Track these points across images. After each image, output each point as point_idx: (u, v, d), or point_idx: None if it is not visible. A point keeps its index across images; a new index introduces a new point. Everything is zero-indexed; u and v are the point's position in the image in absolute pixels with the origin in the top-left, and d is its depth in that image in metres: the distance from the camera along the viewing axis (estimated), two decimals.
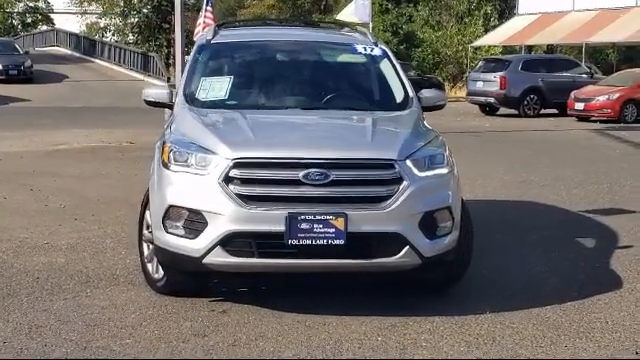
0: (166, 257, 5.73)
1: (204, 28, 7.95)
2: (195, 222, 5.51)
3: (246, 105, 6.49)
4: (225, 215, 5.39)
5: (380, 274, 5.90)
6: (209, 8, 7.70)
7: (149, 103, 6.87)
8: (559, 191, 11.34)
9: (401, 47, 39.58)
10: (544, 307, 5.92)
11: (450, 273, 6.03)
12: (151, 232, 6.22)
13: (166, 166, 5.72)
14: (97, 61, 43.05)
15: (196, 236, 5.50)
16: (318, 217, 5.32)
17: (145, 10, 43.78)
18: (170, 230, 5.64)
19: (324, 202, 5.40)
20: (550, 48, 38.80)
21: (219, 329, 5.36)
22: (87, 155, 15.22)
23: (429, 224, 5.60)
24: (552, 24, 34.98)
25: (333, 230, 5.34)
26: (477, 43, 38.85)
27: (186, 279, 5.95)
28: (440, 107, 6.92)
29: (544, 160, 14.83)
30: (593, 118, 25.56)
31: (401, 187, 5.48)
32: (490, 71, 27.47)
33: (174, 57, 44.67)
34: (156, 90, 6.91)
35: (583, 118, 25.64)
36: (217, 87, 6.61)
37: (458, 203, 5.89)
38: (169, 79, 37.62)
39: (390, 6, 41.86)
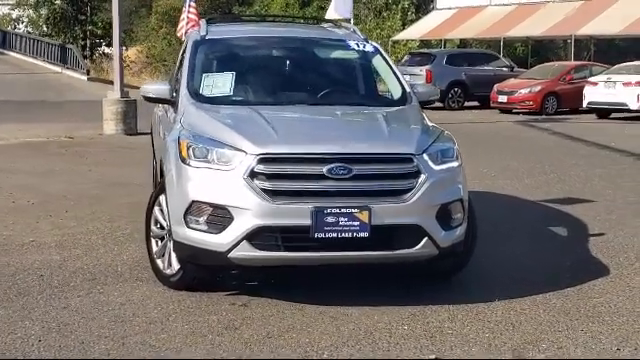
0: (187, 252, 5.78)
1: (188, 23, 7.95)
2: (220, 217, 5.59)
3: (252, 101, 6.59)
4: (251, 210, 5.48)
5: (399, 265, 6.07)
6: (192, 4, 7.69)
7: (149, 99, 6.88)
8: (512, 182, 11.74)
9: None
10: (545, 294, 6.18)
11: (457, 263, 6.25)
12: (160, 228, 6.28)
13: (186, 162, 5.77)
14: (11, 53, 41.96)
15: (221, 231, 5.57)
16: (343, 210, 5.47)
17: (59, 1, 42.84)
18: (192, 225, 5.70)
19: (347, 196, 5.55)
20: (463, 43, 39.62)
21: (247, 322, 5.45)
22: (30, 151, 14.98)
23: (444, 216, 5.82)
24: (470, 19, 35.76)
25: (357, 223, 5.49)
26: (396, 37, 39.38)
27: (204, 274, 6.01)
28: (432, 102, 7.14)
29: (483, 152, 15.25)
30: (515, 110, 26.35)
31: (420, 180, 5.67)
32: (416, 65, 27.99)
33: (91, 49, 44.02)
34: (156, 86, 6.92)
35: (506, 110, 26.41)
36: (220, 83, 6.67)
37: (467, 195, 6.11)
38: (89, 71, 37.04)
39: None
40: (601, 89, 24.75)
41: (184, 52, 7.62)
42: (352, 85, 7.28)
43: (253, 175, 5.52)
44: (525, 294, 6.16)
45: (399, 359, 4.90)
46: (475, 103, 28.12)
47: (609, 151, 16.31)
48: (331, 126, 6.33)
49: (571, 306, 5.93)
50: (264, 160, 5.53)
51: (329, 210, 5.46)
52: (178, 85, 6.80)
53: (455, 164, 5.99)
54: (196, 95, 6.57)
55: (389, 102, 6.85)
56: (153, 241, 6.37)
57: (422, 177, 5.68)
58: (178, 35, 7.28)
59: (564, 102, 26.25)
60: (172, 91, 6.76)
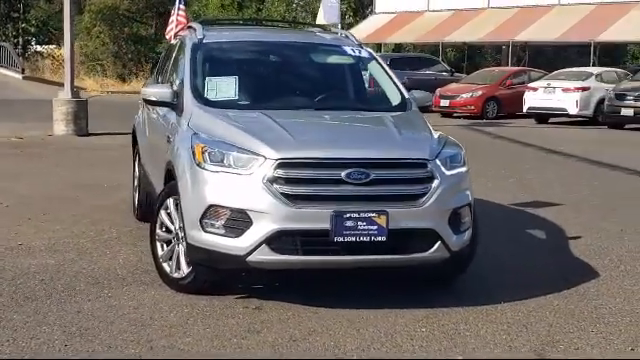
0: (203, 256, 5.79)
1: (177, 25, 7.93)
2: (238, 221, 5.62)
3: (259, 105, 6.61)
4: (271, 214, 5.53)
5: (412, 268, 6.16)
6: (182, 7, 7.68)
7: (150, 102, 6.87)
8: (475, 186, 11.89)
9: None
10: (546, 296, 6.35)
11: (461, 266, 6.39)
12: (166, 232, 6.27)
13: (201, 166, 5.78)
14: None
15: (239, 234, 5.61)
16: (362, 215, 5.56)
17: None
18: (208, 229, 5.71)
19: (365, 200, 5.64)
20: (398, 47, 40.09)
21: (267, 326, 5.49)
22: None
23: (455, 220, 5.96)
24: (409, 23, 36.19)
25: (376, 227, 5.59)
26: None
27: (216, 277, 6.03)
28: (427, 107, 7.27)
29: None
30: (456, 114, 26.81)
31: (433, 185, 5.79)
32: None
33: (24, 47, 43.07)
34: (158, 89, 6.90)
35: (447, 114, 26.85)
36: (224, 87, 6.69)
37: (473, 200, 6.26)
38: (23, 70, 36.35)
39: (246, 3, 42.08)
40: (541, 94, 25.37)
41: (177, 54, 7.63)
42: (353, 90, 7.38)
43: (272, 179, 5.57)
44: (527, 297, 6.32)
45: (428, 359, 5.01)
46: None
47: (559, 156, 16.76)
48: (346, 131, 6.41)
49: (574, 308, 6.11)
50: (283, 165, 5.58)
51: (348, 214, 5.54)
52: (180, 88, 6.79)
53: (463, 169, 6.13)
54: (201, 98, 6.57)
55: (391, 107, 6.97)
56: (158, 244, 6.36)
57: (435, 182, 5.81)
58: (167, 37, 7.26)
59: (504, 107, 26.83)
60: (174, 94, 6.75)
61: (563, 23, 31.81)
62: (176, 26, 7.62)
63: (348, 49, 7.42)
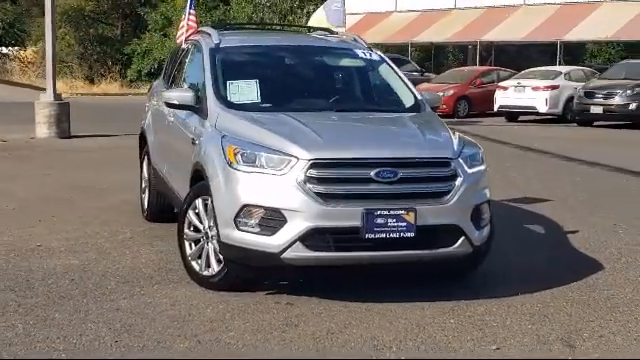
0: (237, 254, 5.99)
1: (188, 30, 8.10)
2: (272, 219, 5.83)
3: (280, 108, 6.82)
4: (305, 212, 5.75)
5: (435, 263, 6.40)
6: (192, 11, 7.84)
7: (173, 106, 7.05)
8: None
9: None
10: (559, 288, 6.63)
11: (479, 261, 6.65)
12: (194, 231, 6.47)
13: (234, 167, 5.98)
14: None
15: (274, 232, 5.82)
16: (392, 212, 5.81)
17: None
18: (242, 228, 5.92)
19: (393, 198, 5.89)
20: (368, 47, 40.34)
21: (303, 320, 5.71)
22: None
23: (477, 216, 6.23)
24: (377, 24, 36.53)
25: (405, 224, 5.84)
26: None
27: (248, 275, 6.23)
28: (437, 108, 7.54)
29: None
30: None
31: (457, 183, 6.06)
32: None
33: None
34: (179, 93, 7.08)
35: None
36: (246, 90, 6.88)
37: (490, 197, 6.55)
38: None
39: (215, 3, 42.12)
40: (511, 93, 25.84)
41: (191, 58, 7.82)
42: (369, 92, 7.62)
43: (306, 179, 5.79)
44: (540, 289, 6.59)
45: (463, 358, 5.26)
46: None
47: (534, 153, 17.16)
48: (372, 132, 6.66)
49: (587, 298, 6.41)
50: (316, 165, 5.81)
51: (379, 212, 5.78)
52: (202, 92, 6.97)
53: (482, 168, 6.41)
54: (224, 101, 6.77)
55: (406, 108, 7.20)
56: (186, 243, 6.55)
57: (459, 180, 6.07)
58: (177, 42, 7.44)
59: (475, 105, 27.27)
60: (196, 98, 6.94)
61: (529, 23, 32.39)
62: (187, 30, 7.79)
63: (359, 52, 7.67)
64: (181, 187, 7.18)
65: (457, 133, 6.68)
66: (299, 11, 42.43)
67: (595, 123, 24.48)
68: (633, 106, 23.43)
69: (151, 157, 8.65)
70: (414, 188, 5.96)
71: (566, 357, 5.18)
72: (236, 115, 6.55)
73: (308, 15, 41.90)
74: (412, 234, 5.86)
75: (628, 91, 23.52)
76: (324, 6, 13.31)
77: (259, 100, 6.88)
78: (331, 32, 8.71)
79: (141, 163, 9.31)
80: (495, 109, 26.04)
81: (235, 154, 6.02)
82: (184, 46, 8.31)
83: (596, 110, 23.85)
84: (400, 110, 7.20)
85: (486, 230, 6.39)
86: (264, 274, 6.42)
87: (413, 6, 36.38)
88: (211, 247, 6.32)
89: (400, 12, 36.87)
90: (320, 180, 5.81)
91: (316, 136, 6.08)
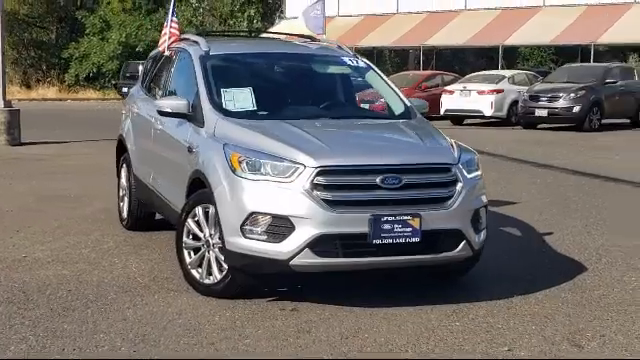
0: (243, 261, 6.01)
1: (170, 37, 8.06)
2: (280, 227, 5.87)
3: (276, 115, 6.86)
4: (313, 219, 5.81)
5: (439, 266, 6.51)
6: (174, 19, 7.79)
7: (166, 114, 7.03)
8: None
9: None
10: (551, 289, 6.80)
11: (473, 264, 6.79)
12: (193, 239, 6.48)
13: (238, 175, 6.00)
14: None
15: (281, 240, 5.86)
16: (398, 218, 5.90)
17: None
18: (249, 235, 5.95)
19: (398, 204, 5.98)
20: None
21: (314, 325, 5.76)
22: None
23: (476, 220, 6.37)
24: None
25: (410, 229, 5.94)
26: None
27: (252, 282, 6.26)
28: (424, 114, 7.66)
29: None
30: None
31: (458, 188, 6.19)
32: None
33: None
34: (172, 101, 7.05)
35: None
36: (241, 98, 6.90)
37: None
38: None
39: (154, 6, 41.81)
40: (457, 97, 26.27)
41: (178, 66, 7.81)
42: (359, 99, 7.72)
43: (313, 186, 5.85)
44: (533, 290, 6.76)
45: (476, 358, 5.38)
46: None
47: (488, 156, 17.42)
48: (374, 139, 6.74)
49: (580, 299, 6.59)
50: (323, 172, 5.87)
51: (385, 218, 5.87)
52: (196, 99, 6.96)
53: (479, 173, 6.55)
54: (220, 109, 6.78)
55: (398, 115, 7.31)
56: (185, 252, 6.55)
57: (459, 185, 6.20)
58: (160, 49, 7.38)
59: None
60: (189, 105, 6.93)
61: (470, 28, 32.89)
62: (169, 37, 7.76)
63: (346, 59, 7.76)
64: (173, 195, 7.17)
65: (452, 139, 6.81)
66: (240, 15, 42.38)
67: (539, 126, 25.02)
68: (577, 109, 24.01)
69: (133, 165, 8.59)
70: (418, 194, 6.07)
71: (573, 357, 5.33)
72: (235, 123, 6.57)
73: (249, 19, 42.04)
74: (417, 239, 5.96)
75: (572, 94, 24.09)
76: (303, 12, 13.35)
77: (255, 108, 6.90)
78: (313, 39, 8.76)
79: (119, 171, 9.24)
80: (441, 113, 26.38)
81: (240, 162, 6.04)
82: (167, 53, 8.28)
83: (541, 113, 24.38)
84: (392, 117, 7.30)
85: (483, 234, 6.53)
86: (268, 282, 6.45)
87: (355, 11, 36.65)
88: (212, 255, 6.33)
89: (342, 16, 37.09)
90: (327, 187, 5.87)
91: (321, 144, 6.14)
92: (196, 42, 7.71)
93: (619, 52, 48.65)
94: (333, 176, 5.90)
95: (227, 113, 6.75)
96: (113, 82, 42.08)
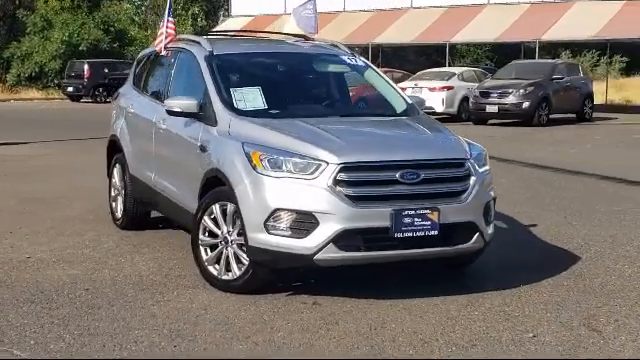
0: (267, 257, 6.13)
1: (167, 37, 8.11)
2: (304, 222, 6.01)
3: (287, 114, 6.98)
4: (337, 214, 5.96)
5: (454, 258, 6.72)
6: (171, 19, 7.81)
7: (175, 113, 7.09)
8: None
9: (114, 45, 39.36)
10: (553, 278, 7.05)
11: (479, 255, 7.01)
12: (210, 236, 6.58)
13: (261, 173, 6.12)
14: None
15: (306, 235, 6.00)
16: (418, 212, 6.09)
17: None
18: (272, 231, 6.07)
19: (417, 198, 6.17)
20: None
21: (340, 318, 5.91)
22: None
23: (487, 213, 6.60)
24: (267, 26, 36.63)
25: (429, 223, 6.14)
26: None
27: (274, 277, 6.39)
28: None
29: None
30: None
31: (471, 182, 6.41)
32: None
33: None
34: (181, 101, 7.10)
35: None
36: (251, 97, 7.01)
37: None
38: None
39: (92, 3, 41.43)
40: (409, 94, 26.51)
41: (179, 66, 7.88)
42: (364, 97, 7.87)
43: (336, 182, 6.00)
44: (537, 279, 7.01)
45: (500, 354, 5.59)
46: None
47: None
48: (390, 135, 6.90)
49: (583, 286, 6.86)
50: (346, 169, 6.03)
51: (406, 212, 6.05)
52: (206, 99, 7.04)
53: (488, 167, 6.79)
54: (232, 108, 6.88)
55: (402, 112, 7.50)
56: (202, 249, 6.64)
57: (472, 179, 6.42)
58: (157, 49, 7.40)
59: None
60: (200, 105, 7.01)
61: (417, 25, 33.30)
62: (166, 38, 7.79)
63: (345, 58, 7.92)
64: (182, 194, 7.25)
65: (459, 135, 7.03)
66: (184, 13, 42.21)
67: (490, 121, 25.52)
68: (526, 105, 24.58)
69: (129, 165, 8.61)
70: (435, 188, 6.26)
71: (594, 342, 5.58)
72: (250, 122, 6.67)
73: (193, 17, 41.87)
74: (436, 232, 6.16)
75: (521, 90, 24.64)
76: (293, 12, 13.33)
77: (266, 107, 7.01)
78: (307, 38, 8.88)
79: (111, 171, 9.24)
80: None
81: (261, 160, 6.16)
82: (164, 53, 8.33)
83: (491, 109, 24.89)
84: (397, 114, 7.49)
85: (492, 226, 6.76)
86: (283, 276, 6.58)
87: None
88: (231, 251, 6.44)
89: (289, 14, 37.10)
90: (349, 183, 6.03)
91: (340, 141, 6.29)
92: (197, 42, 7.79)
93: (552, 49, 49.82)
94: (355, 172, 6.06)
95: (239, 112, 6.85)
96: (56, 82, 41.58)
